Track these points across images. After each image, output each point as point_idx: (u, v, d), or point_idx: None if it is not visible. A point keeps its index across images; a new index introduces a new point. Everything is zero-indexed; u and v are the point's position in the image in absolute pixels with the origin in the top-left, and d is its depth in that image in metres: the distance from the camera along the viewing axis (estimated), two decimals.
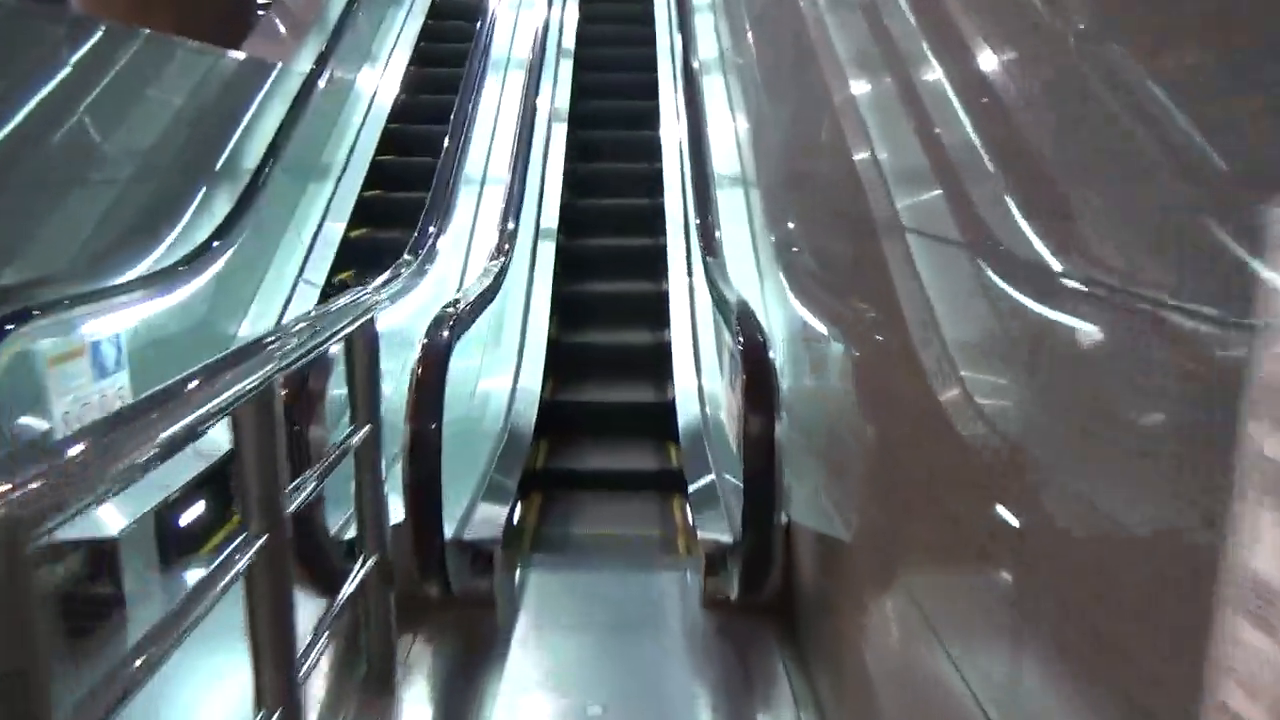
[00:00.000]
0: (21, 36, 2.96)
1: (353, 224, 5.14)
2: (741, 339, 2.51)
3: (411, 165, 5.51)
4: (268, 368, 1.61)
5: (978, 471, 1.37)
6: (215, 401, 1.40)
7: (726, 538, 2.77)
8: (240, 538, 1.61)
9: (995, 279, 1.35)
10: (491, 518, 2.96)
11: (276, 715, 1.69)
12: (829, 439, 2.54)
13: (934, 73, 1.85)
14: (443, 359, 2.44)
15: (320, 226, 4.90)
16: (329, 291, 4.73)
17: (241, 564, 1.56)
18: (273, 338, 1.74)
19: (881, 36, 2.25)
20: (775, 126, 3.66)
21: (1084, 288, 1.05)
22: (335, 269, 4.91)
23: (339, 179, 5.30)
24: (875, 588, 1.94)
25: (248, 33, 5.20)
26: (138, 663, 1.20)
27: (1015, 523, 1.21)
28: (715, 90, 5.19)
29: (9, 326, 2.46)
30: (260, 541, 1.62)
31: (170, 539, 3.08)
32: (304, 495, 1.96)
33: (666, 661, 2.61)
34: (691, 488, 3.29)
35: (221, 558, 1.55)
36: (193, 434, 1.31)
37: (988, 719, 1.24)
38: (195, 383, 1.34)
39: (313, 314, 1.99)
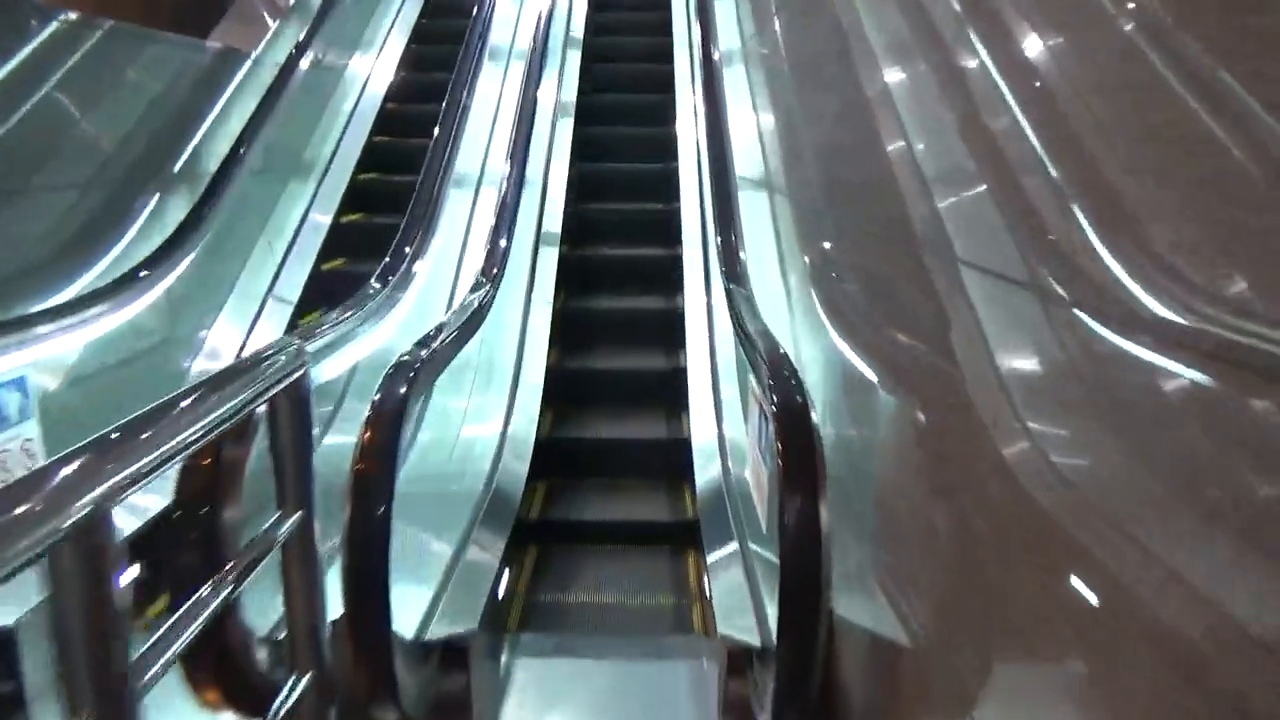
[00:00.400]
0: None
1: (343, 209, 4.67)
2: (775, 400, 1.99)
3: (408, 147, 5.04)
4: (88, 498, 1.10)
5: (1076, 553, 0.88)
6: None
7: (754, 639, 2.25)
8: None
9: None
10: (468, 601, 2.45)
11: None
12: (882, 514, 2.03)
13: (1033, 49, 1.35)
14: (396, 420, 1.93)
15: (296, 235, 4.39)
16: (308, 297, 4.25)
17: None
18: (129, 428, 1.23)
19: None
20: (810, 125, 3.14)
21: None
22: (323, 259, 4.44)
23: (322, 177, 4.80)
24: (945, 702, 1.44)
25: (220, 18, 4.71)
26: None
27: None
28: (737, 83, 4.66)
29: None
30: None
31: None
32: (206, 614, 1.46)
33: None
34: (711, 556, 2.77)
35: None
36: None
37: None
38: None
39: (210, 381, 1.48)
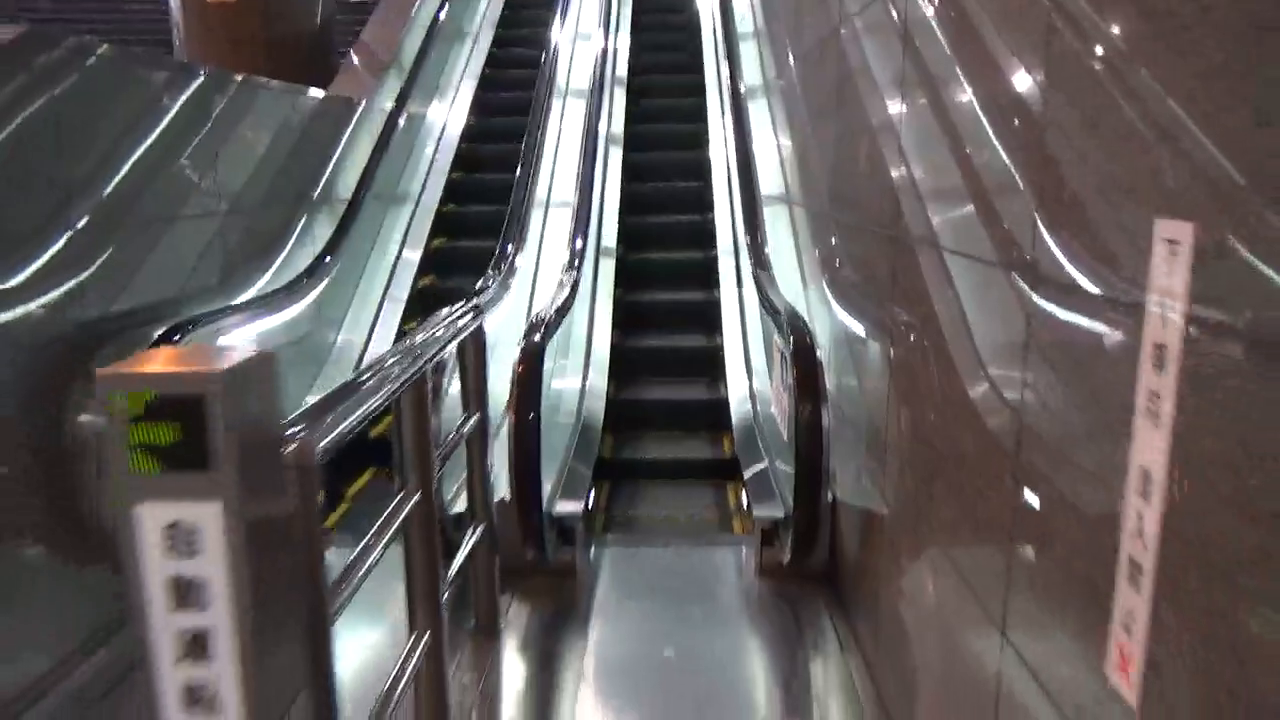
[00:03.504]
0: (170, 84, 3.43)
1: (431, 235, 5.69)
2: (792, 340, 2.93)
3: (482, 181, 6.09)
4: (421, 361, 2.06)
5: (998, 454, 1.75)
6: (395, 385, 1.86)
7: (780, 513, 3.17)
8: (400, 495, 2.07)
9: (1018, 289, 1.73)
10: (572, 499, 3.39)
11: (426, 635, 2.14)
12: (869, 428, 2.93)
13: (964, 95, 2.25)
14: (539, 358, 2.89)
15: (402, 245, 5.41)
16: (415, 300, 5.25)
17: (406, 510, 2.02)
18: (422, 341, 2.19)
19: (917, 63, 2.65)
20: (818, 149, 4.07)
21: (1096, 294, 1.41)
22: (418, 278, 5.45)
23: (417, 200, 5.82)
24: (908, 551, 2.33)
25: (328, 74, 5.75)
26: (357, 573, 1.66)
27: (1027, 492, 1.59)
28: (759, 113, 5.60)
29: (176, 337, 2.95)
30: (417, 495, 2.08)
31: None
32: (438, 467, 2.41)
33: (728, 617, 3.03)
34: (746, 474, 3.70)
35: (390, 509, 2.01)
36: (387, 402, 1.78)
37: (1004, 636, 1.63)
38: (394, 361, 1.81)
39: (443, 323, 2.43)
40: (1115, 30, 1.27)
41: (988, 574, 1.71)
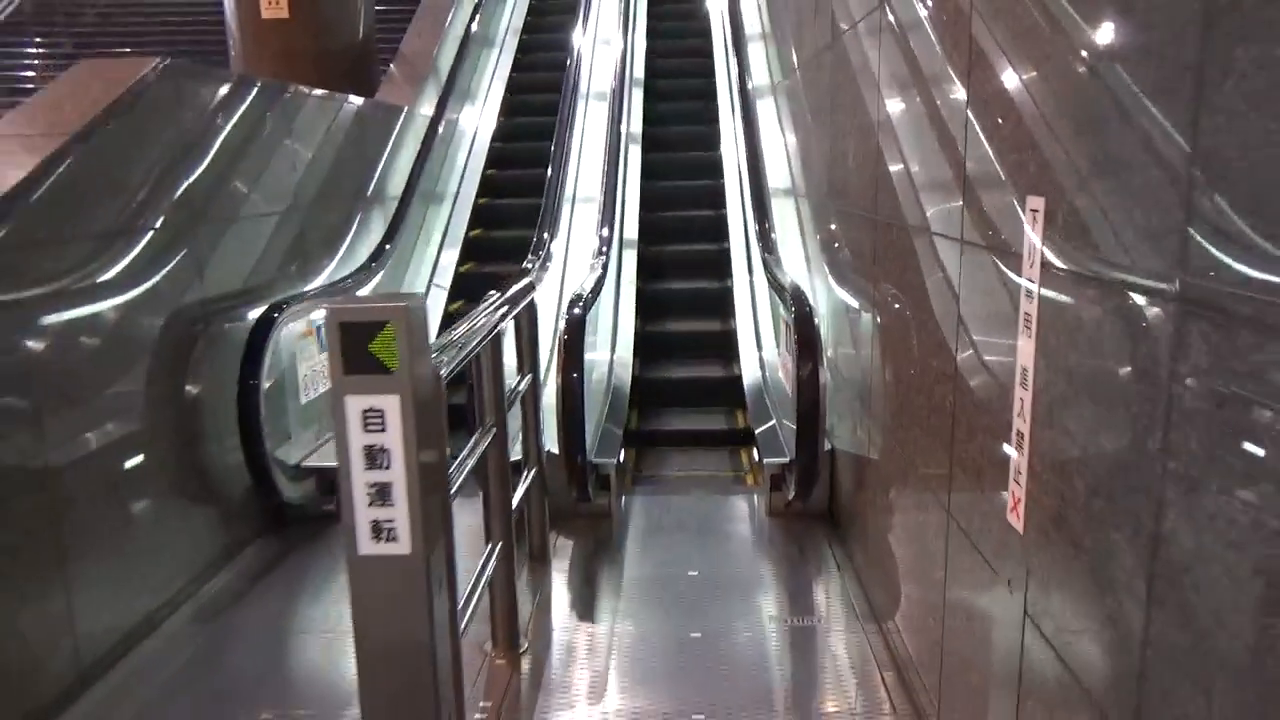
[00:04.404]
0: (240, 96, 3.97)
1: (470, 225, 6.27)
2: (794, 308, 3.45)
3: (512, 176, 6.68)
4: (490, 320, 2.59)
5: (964, 406, 2.28)
6: (485, 330, 2.40)
7: (785, 459, 3.70)
8: (479, 430, 2.61)
9: (954, 252, 2.26)
10: (607, 455, 3.92)
11: (500, 544, 2.68)
12: (861, 387, 3.44)
13: (914, 108, 2.77)
14: (581, 326, 3.42)
15: (445, 234, 5.98)
16: (457, 284, 5.81)
17: (485, 442, 2.56)
18: (490, 310, 2.72)
19: (911, 59, 3.16)
20: (819, 144, 4.57)
21: (997, 251, 1.96)
22: (460, 262, 6.03)
23: (456, 194, 6.38)
24: (893, 487, 2.84)
25: (369, 83, 6.30)
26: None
27: (960, 403, 2.13)
28: (768, 111, 6.11)
29: (275, 315, 3.50)
30: (494, 430, 2.61)
31: None
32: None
33: (742, 546, 3.56)
34: (757, 430, 4.23)
35: (474, 439, 2.54)
36: (477, 347, 2.32)
37: (949, 516, 2.15)
38: (480, 322, 2.34)
39: (501, 298, 2.96)
40: (999, 73, 1.78)
41: (937, 478, 2.23)
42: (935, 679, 2.29)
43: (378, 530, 1.65)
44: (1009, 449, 1.71)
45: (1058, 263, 1.50)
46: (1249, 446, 0.99)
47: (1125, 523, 1.26)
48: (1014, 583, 1.69)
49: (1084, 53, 1.42)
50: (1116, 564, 1.29)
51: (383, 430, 1.61)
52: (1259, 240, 0.98)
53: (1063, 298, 1.49)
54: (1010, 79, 1.74)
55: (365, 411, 1.60)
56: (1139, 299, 1.22)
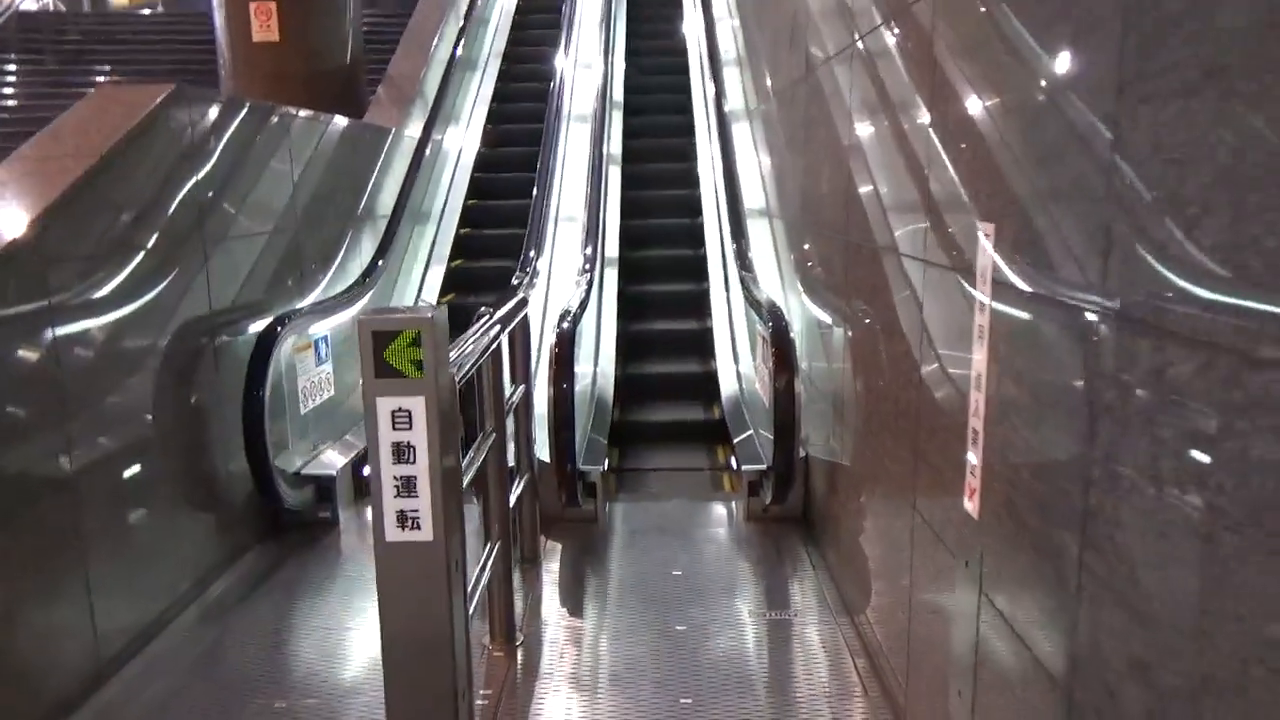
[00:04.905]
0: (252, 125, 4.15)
1: (460, 225, 6.52)
2: (771, 323, 3.66)
3: (497, 181, 6.98)
4: (492, 334, 2.79)
5: (927, 409, 2.50)
6: (488, 342, 2.59)
7: (763, 466, 3.91)
8: (481, 435, 2.80)
9: (919, 271, 2.49)
10: (594, 463, 4.11)
11: (499, 543, 2.86)
12: (835, 401, 3.66)
13: (878, 139, 3.00)
14: (571, 341, 3.62)
15: (430, 254, 6.15)
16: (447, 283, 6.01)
17: (486, 446, 2.74)
18: (492, 325, 2.91)
19: (880, 94, 3.39)
20: (794, 168, 4.81)
21: (954, 269, 2.18)
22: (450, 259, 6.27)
23: (444, 204, 6.63)
24: (864, 489, 3.05)
25: (357, 105, 6.48)
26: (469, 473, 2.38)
27: (925, 407, 2.35)
28: (743, 135, 6.36)
29: (278, 329, 3.67)
30: (493, 435, 2.80)
31: (360, 484, 4.26)
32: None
33: (722, 548, 3.76)
34: (735, 440, 4.44)
35: (476, 443, 2.73)
36: (481, 358, 2.50)
37: (914, 510, 2.36)
38: (481, 335, 2.53)
39: (500, 314, 3.15)
40: (956, 111, 2.01)
41: (903, 477, 2.45)
42: (903, 662, 2.49)
43: (403, 519, 1.83)
44: (967, 445, 1.93)
45: (1006, 280, 1.72)
46: (1156, 433, 1.21)
47: (1061, 502, 1.48)
48: (970, 563, 1.91)
49: (1025, 104, 1.65)
50: (1055, 537, 1.51)
51: (409, 429, 1.80)
52: (1161, 269, 1.20)
53: (1010, 311, 1.71)
54: (966, 117, 1.97)
55: (394, 411, 1.79)
56: (1071, 312, 1.44)
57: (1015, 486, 1.68)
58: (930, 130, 2.21)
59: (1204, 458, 1.11)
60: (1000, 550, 1.77)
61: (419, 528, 1.83)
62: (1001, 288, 1.74)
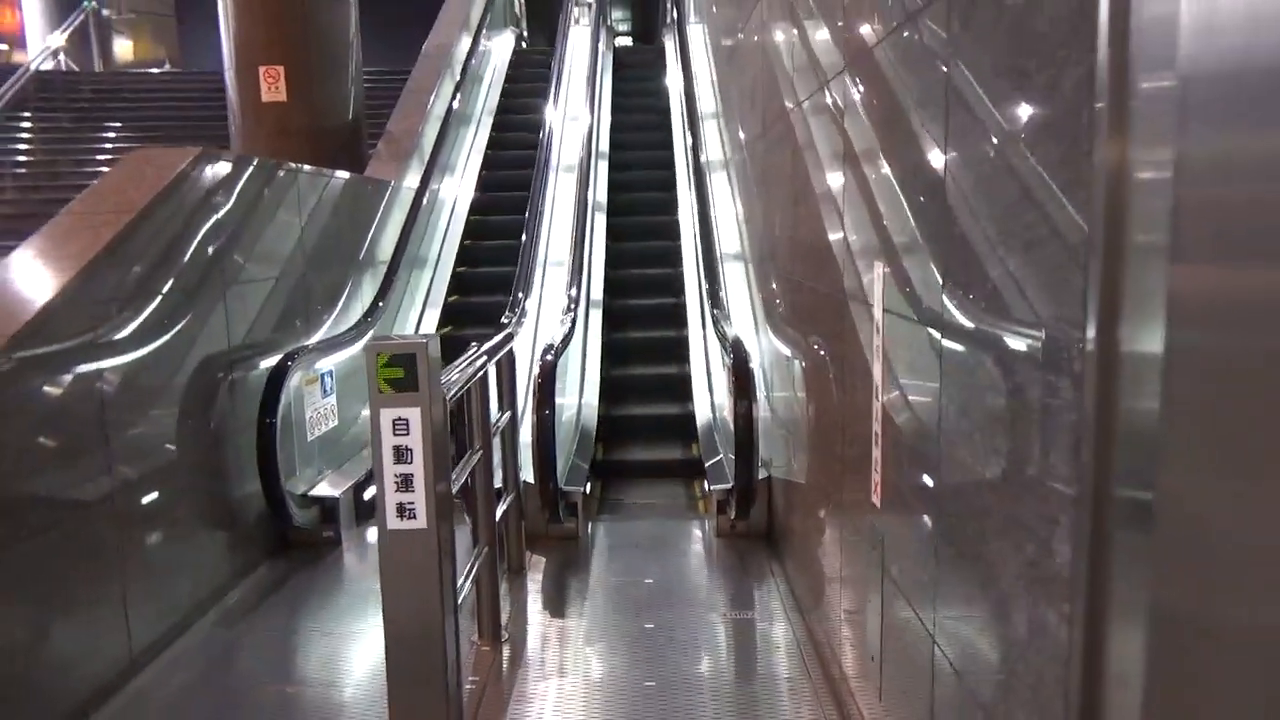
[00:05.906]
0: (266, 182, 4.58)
1: (456, 263, 6.97)
2: (733, 353, 4.06)
3: (490, 224, 7.48)
4: (480, 362, 3.18)
5: (848, 421, 2.89)
6: (476, 369, 2.98)
7: (729, 485, 4.28)
8: (469, 451, 3.18)
9: (847, 307, 2.88)
10: (576, 484, 4.48)
11: (486, 549, 3.22)
12: (792, 426, 4.04)
13: (815, 195, 3.42)
14: (553, 371, 4.01)
15: (427, 297, 6.57)
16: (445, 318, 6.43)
17: (474, 460, 3.12)
18: (479, 355, 3.31)
19: (811, 153, 3.82)
20: (758, 216, 5.24)
21: (865, 302, 2.58)
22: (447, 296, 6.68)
23: (440, 251, 7.05)
24: (817, 508, 3.41)
25: (358, 159, 6.95)
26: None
27: (844, 414, 2.73)
28: (721, 183, 6.82)
29: (289, 363, 4.06)
30: (480, 452, 3.18)
31: (360, 507, 4.62)
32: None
33: (692, 560, 4.12)
34: (707, 463, 4.82)
35: (465, 457, 3.11)
36: (469, 383, 2.89)
37: (854, 526, 2.73)
38: (470, 363, 2.92)
39: (487, 346, 3.54)
40: (862, 172, 2.43)
41: (833, 484, 2.83)
42: (839, 646, 2.85)
43: (402, 510, 2.21)
44: (872, 447, 2.31)
45: (891, 308, 2.12)
46: (982, 412, 1.60)
47: (922, 482, 1.87)
48: (875, 546, 2.29)
49: (903, 170, 2.07)
50: (921, 511, 1.89)
51: (408, 434, 2.18)
52: (966, 298, 1.60)
53: (892, 331, 2.11)
54: (864, 177, 2.39)
55: (395, 420, 2.17)
56: (927, 330, 1.84)
57: (901, 476, 2.07)
58: (843, 188, 2.63)
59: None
60: (894, 531, 2.15)
61: (415, 517, 2.21)
62: (887, 314, 2.14)
